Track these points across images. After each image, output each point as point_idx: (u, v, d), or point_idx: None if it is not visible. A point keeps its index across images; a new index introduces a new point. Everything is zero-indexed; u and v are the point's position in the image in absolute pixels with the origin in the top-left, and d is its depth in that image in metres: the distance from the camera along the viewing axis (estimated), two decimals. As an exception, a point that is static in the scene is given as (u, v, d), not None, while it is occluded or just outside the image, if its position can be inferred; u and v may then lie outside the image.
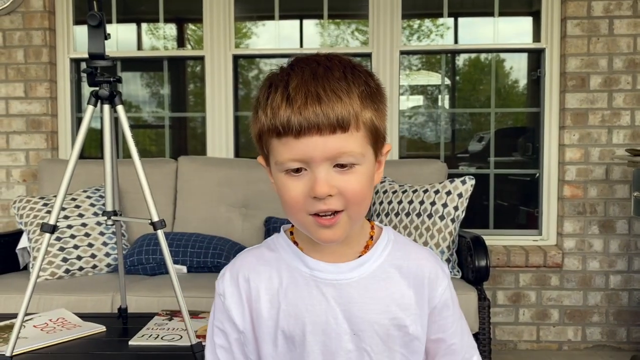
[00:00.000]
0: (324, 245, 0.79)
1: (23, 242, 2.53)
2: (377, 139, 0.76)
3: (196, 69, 3.29)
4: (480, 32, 3.14)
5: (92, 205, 2.54)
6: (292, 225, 0.83)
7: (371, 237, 0.83)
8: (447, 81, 3.16)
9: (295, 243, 0.83)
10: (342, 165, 0.72)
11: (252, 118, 0.77)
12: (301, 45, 3.14)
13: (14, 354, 1.37)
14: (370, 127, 0.74)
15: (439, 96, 3.17)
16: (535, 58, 3.03)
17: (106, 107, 1.52)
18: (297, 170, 0.73)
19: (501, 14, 3.01)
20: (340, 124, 0.70)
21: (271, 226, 2.57)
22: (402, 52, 3.03)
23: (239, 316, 0.82)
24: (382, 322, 0.79)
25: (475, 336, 2.15)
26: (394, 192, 2.50)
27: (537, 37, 2.99)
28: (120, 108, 1.52)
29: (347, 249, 0.81)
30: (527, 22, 3.16)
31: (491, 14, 3.02)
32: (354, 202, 0.74)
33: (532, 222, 3.04)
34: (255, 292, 0.81)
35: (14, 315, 1.56)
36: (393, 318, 0.80)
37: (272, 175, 0.78)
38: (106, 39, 1.48)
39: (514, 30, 3.12)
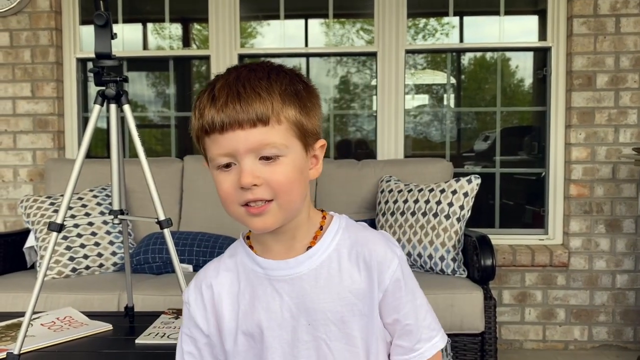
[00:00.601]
0: (273, 244, 0.84)
1: (30, 241, 2.55)
2: (304, 134, 0.80)
3: (201, 69, 3.30)
4: (485, 31, 3.13)
5: (99, 204, 2.55)
6: (250, 230, 0.87)
7: (321, 227, 0.86)
8: (453, 80, 3.16)
9: (251, 247, 0.87)
10: (267, 158, 0.77)
11: (190, 125, 0.83)
12: (306, 45, 3.14)
13: (21, 352, 1.38)
14: (295, 122, 0.79)
15: (445, 95, 3.17)
16: (541, 57, 3.02)
17: (113, 106, 1.53)
18: (227, 166, 0.78)
19: (507, 13, 3.01)
20: (260, 118, 0.76)
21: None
22: (408, 51, 3.03)
23: (203, 321, 0.87)
24: (335, 310, 0.82)
25: (481, 335, 2.15)
26: (399, 191, 2.50)
27: (542, 35, 2.98)
28: (126, 107, 1.53)
29: (296, 242, 0.85)
30: (532, 20, 3.15)
31: (497, 13, 3.02)
32: (281, 191, 0.78)
33: (538, 221, 3.03)
34: (217, 297, 0.87)
35: (22, 314, 1.57)
36: (346, 304, 0.83)
37: (211, 174, 0.82)
38: (112, 38, 1.49)
39: (519, 29, 3.11)
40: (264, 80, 0.78)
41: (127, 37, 3.22)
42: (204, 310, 0.87)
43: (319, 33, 3.18)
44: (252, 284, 0.85)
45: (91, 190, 2.61)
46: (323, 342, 0.83)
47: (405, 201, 2.45)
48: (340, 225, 0.87)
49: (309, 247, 0.84)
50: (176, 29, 3.26)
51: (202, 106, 0.78)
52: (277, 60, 0.86)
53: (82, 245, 2.44)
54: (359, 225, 0.90)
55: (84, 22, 3.09)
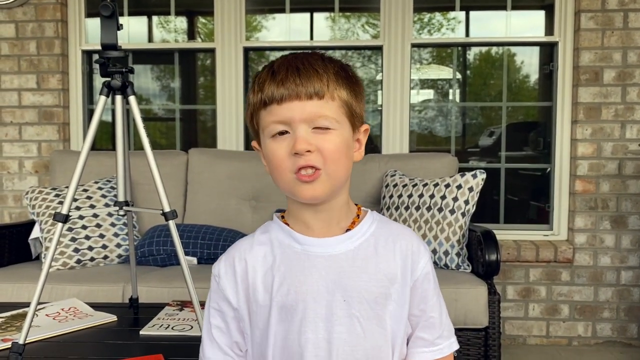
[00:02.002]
0: (313, 222, 0.87)
1: (35, 233, 2.55)
2: (352, 114, 0.86)
3: (206, 62, 3.29)
4: (492, 26, 3.12)
5: (104, 196, 2.56)
6: (283, 211, 0.92)
7: (358, 215, 0.92)
8: (458, 75, 3.14)
9: (287, 225, 0.90)
10: (319, 128, 0.82)
11: (247, 104, 0.89)
12: (311, 38, 3.13)
13: (26, 342, 1.39)
14: (346, 102, 0.85)
15: (450, 90, 3.16)
16: (548, 52, 3.00)
17: (118, 97, 1.52)
18: (282, 134, 0.83)
19: (514, 8, 2.99)
20: (317, 92, 0.82)
21: (281, 219, 2.58)
22: (414, 45, 3.02)
23: (233, 294, 0.88)
24: (371, 290, 0.86)
25: (485, 330, 2.15)
26: (404, 186, 2.50)
27: (549, 30, 2.96)
28: (132, 99, 1.52)
29: (335, 224, 0.89)
30: (539, 15, 3.13)
31: (503, 8, 3.00)
32: (331, 159, 0.82)
33: (542, 217, 3.02)
34: (251, 270, 0.88)
35: (27, 304, 1.57)
36: (381, 286, 0.86)
37: (262, 148, 0.87)
38: (119, 29, 1.48)
39: (526, 24, 3.09)
40: (320, 61, 0.84)
41: (133, 30, 3.22)
42: (235, 283, 0.88)
43: (324, 27, 3.17)
44: (289, 259, 0.87)
45: (96, 182, 2.61)
46: (356, 320, 0.85)
47: (410, 195, 2.45)
48: (374, 218, 0.92)
49: (348, 229, 0.88)
50: (181, 22, 3.25)
51: (261, 81, 0.84)
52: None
53: (87, 237, 2.44)
54: (390, 220, 0.96)
55: (89, 14, 3.09)
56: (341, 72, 0.85)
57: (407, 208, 2.44)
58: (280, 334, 0.85)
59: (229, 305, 0.89)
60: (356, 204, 0.93)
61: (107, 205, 2.52)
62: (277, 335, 0.85)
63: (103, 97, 1.50)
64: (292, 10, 3.10)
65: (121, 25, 1.49)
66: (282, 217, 0.92)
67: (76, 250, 2.41)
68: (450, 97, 3.15)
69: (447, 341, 0.93)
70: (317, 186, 0.82)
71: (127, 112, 1.59)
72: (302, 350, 0.84)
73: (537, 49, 3.08)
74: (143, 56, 3.31)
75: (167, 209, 1.49)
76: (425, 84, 3.18)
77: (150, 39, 3.25)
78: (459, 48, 3.10)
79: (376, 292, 0.85)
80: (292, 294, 0.84)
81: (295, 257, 0.86)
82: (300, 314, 0.84)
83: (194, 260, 2.43)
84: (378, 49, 3.04)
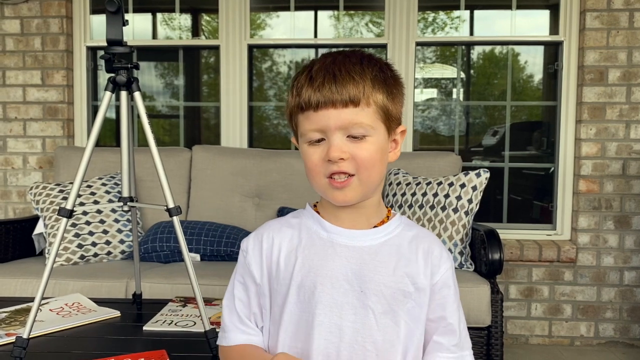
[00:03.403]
0: (343, 215, 0.90)
1: (39, 228, 2.56)
2: (388, 118, 0.87)
3: (210, 60, 3.29)
4: (496, 25, 3.11)
5: (108, 192, 2.56)
6: (316, 202, 0.96)
7: (387, 216, 0.95)
8: (462, 75, 3.14)
9: (318, 213, 0.93)
10: (354, 137, 0.84)
11: (286, 103, 0.91)
12: (315, 36, 3.13)
13: (30, 336, 1.39)
14: (382, 106, 0.85)
15: (454, 89, 3.15)
16: (552, 51, 2.99)
17: (123, 93, 1.52)
18: (318, 141, 0.85)
19: (518, 7, 2.98)
20: (352, 100, 0.83)
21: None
22: (418, 44, 3.01)
23: (257, 270, 0.92)
24: (389, 285, 0.87)
25: (487, 329, 2.15)
26: (407, 184, 2.50)
27: (554, 30, 2.95)
28: (137, 95, 1.52)
29: (364, 220, 0.91)
30: (544, 15, 3.13)
31: (508, 7, 2.99)
32: (364, 166, 0.84)
33: (546, 216, 3.01)
34: (276, 249, 0.91)
35: (31, 299, 1.58)
36: (400, 283, 0.88)
37: (300, 149, 0.90)
38: (124, 25, 1.48)
39: (531, 24, 3.09)
40: (357, 65, 0.85)
41: (137, 27, 3.22)
42: (260, 259, 0.92)
43: (328, 25, 3.16)
44: (314, 244, 0.90)
45: (100, 179, 2.62)
46: (371, 311, 0.86)
47: (414, 194, 2.45)
48: (402, 221, 0.95)
49: (375, 227, 0.91)
50: (185, 20, 3.25)
51: (299, 85, 0.86)
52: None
53: (91, 233, 2.45)
54: (417, 225, 0.98)
55: (94, 10, 3.10)
56: (379, 75, 0.86)
57: (410, 207, 2.44)
58: (295, 314, 0.88)
59: (253, 280, 0.92)
60: (386, 206, 0.96)
61: (110, 201, 2.52)
62: (291, 315, 0.88)
63: (108, 93, 1.50)
64: (297, 8, 3.10)
65: (126, 21, 1.49)
66: (315, 206, 0.95)
67: (80, 245, 2.41)
68: (454, 96, 3.14)
69: (467, 351, 0.95)
70: (349, 192, 0.85)
71: (132, 108, 1.59)
72: (314, 332, 0.86)
73: (541, 48, 3.07)
74: (147, 53, 3.32)
75: (171, 205, 1.49)
76: (429, 82, 3.18)
77: (154, 36, 3.26)
78: (463, 47, 3.10)
79: (394, 288, 0.87)
80: (311, 276, 0.87)
81: (320, 243, 0.89)
82: (317, 297, 0.86)
83: (197, 257, 2.44)
84: (382, 47, 3.04)
